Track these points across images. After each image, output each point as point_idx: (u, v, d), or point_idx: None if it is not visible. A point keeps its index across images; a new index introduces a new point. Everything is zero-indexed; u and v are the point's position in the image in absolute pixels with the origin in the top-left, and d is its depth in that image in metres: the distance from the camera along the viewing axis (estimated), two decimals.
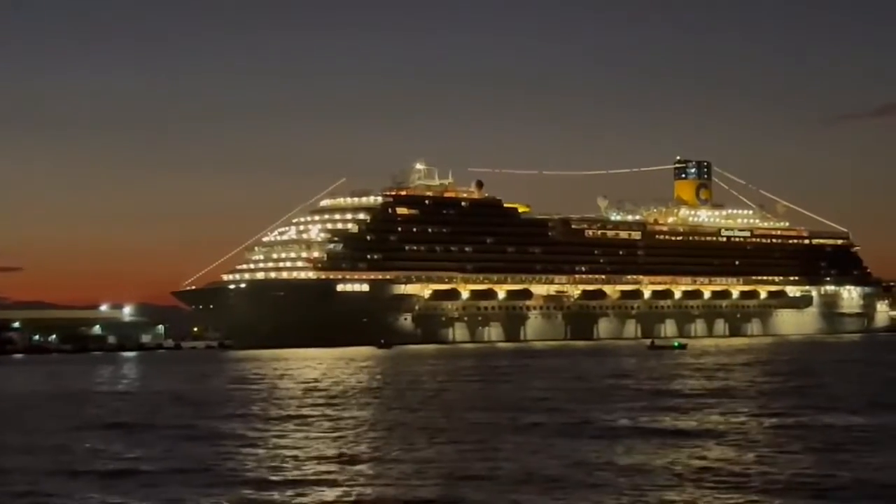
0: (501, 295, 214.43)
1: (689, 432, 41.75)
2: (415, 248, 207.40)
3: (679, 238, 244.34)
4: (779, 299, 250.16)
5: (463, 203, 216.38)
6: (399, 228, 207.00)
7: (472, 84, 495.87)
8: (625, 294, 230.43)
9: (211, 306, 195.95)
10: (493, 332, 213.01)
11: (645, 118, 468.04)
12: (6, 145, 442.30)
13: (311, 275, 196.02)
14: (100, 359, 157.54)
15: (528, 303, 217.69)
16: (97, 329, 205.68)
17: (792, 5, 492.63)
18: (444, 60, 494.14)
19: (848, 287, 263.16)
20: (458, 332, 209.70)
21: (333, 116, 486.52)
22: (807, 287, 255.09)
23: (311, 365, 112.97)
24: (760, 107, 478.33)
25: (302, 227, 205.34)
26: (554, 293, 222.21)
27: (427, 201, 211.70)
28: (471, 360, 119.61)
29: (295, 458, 36.28)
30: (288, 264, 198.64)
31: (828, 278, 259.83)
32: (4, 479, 33.04)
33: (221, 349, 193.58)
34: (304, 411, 53.97)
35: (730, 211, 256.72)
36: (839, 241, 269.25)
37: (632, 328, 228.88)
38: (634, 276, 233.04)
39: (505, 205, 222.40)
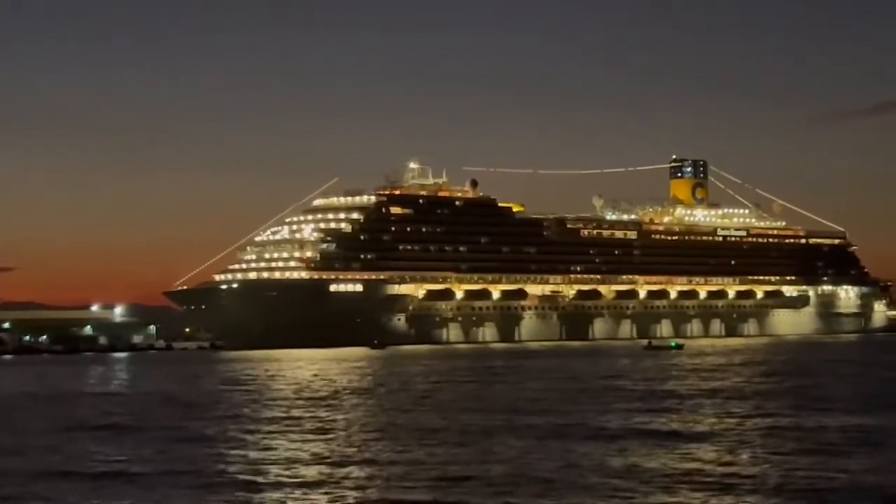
0: (496, 295, 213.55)
1: (683, 434, 41.36)
2: (408, 247, 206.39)
3: (675, 238, 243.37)
4: (775, 299, 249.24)
5: (457, 202, 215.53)
6: (393, 228, 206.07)
7: (466, 83, 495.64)
8: (620, 294, 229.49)
9: (203, 307, 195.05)
10: (488, 332, 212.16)
11: (640, 117, 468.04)
12: None
13: (304, 275, 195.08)
14: (91, 359, 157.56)
15: (522, 303, 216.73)
16: (88, 329, 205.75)
17: (788, 5, 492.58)
18: (438, 60, 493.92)
19: (845, 287, 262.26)
20: (453, 332, 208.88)
21: (326, 116, 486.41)
22: (803, 287, 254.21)
23: (303, 366, 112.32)
24: (757, 106, 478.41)
25: (295, 227, 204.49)
26: (549, 293, 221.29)
27: (421, 201, 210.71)
28: (465, 361, 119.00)
29: (285, 460, 35.95)
30: (280, 264, 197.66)
31: (825, 278, 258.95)
32: None
33: (213, 350, 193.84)
34: (296, 413, 53.56)
35: (726, 210, 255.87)
36: (836, 241, 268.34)
37: (627, 328, 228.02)
38: (630, 276, 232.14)
39: (499, 204, 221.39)
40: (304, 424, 47.47)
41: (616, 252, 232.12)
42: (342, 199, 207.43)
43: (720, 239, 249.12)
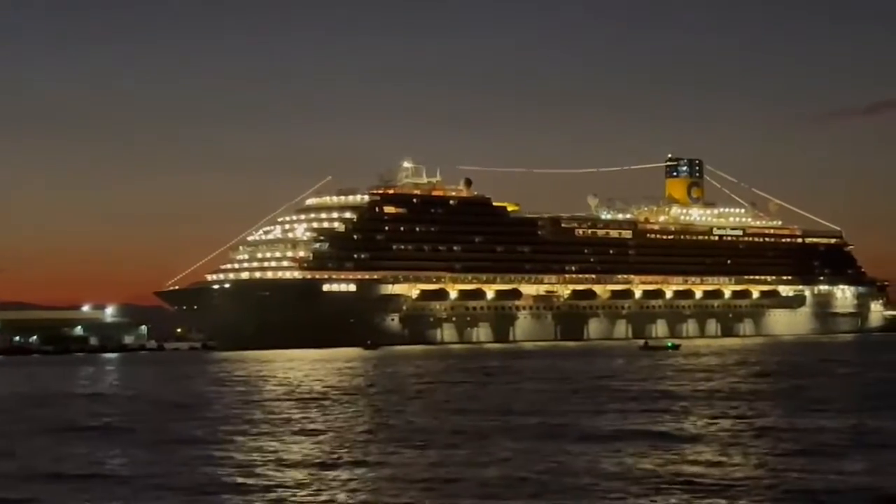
0: (490, 295, 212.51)
1: (677, 435, 41.08)
2: (402, 247, 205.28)
3: (670, 237, 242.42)
4: (771, 299, 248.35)
5: (451, 202, 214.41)
6: (386, 227, 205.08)
7: (460, 82, 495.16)
8: (615, 294, 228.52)
9: (195, 307, 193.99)
10: (482, 332, 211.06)
11: (636, 116, 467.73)
12: None
13: (297, 274, 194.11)
14: (81, 360, 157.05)
15: (517, 303, 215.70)
16: (79, 330, 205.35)
17: (784, 4, 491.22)
18: (432, 59, 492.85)
19: (841, 286, 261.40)
20: (447, 332, 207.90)
21: (319, 115, 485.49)
22: (800, 287, 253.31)
23: (295, 366, 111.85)
24: (753, 105, 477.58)
25: (287, 227, 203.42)
26: (543, 293, 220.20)
27: (415, 200, 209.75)
28: (458, 361, 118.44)
29: (273, 462, 35.53)
30: (273, 264, 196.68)
31: (821, 278, 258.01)
32: None
33: (205, 350, 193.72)
34: (285, 414, 53.08)
35: (722, 209, 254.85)
36: (832, 240, 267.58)
37: (622, 328, 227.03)
38: (625, 276, 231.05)
39: (494, 203, 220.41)
40: (294, 426, 47.10)
41: (611, 252, 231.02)
42: (335, 199, 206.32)
43: (716, 238, 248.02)
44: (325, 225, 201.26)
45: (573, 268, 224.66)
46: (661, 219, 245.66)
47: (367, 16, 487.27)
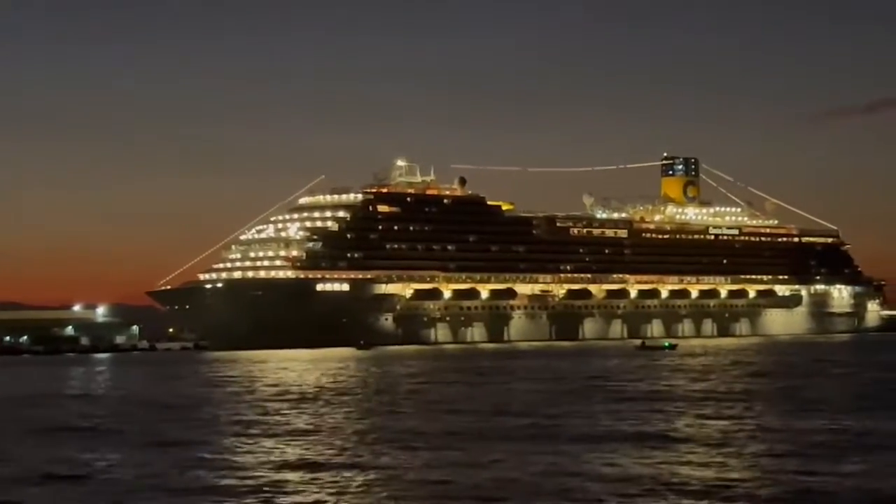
0: (485, 294, 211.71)
1: (671, 436, 40.73)
2: (396, 246, 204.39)
3: (666, 236, 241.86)
4: (768, 299, 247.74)
5: (445, 200, 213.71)
6: (380, 227, 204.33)
7: (454, 81, 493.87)
8: (611, 293, 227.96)
9: (187, 306, 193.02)
10: (476, 332, 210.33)
11: (632, 114, 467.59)
12: None
13: (290, 274, 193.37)
14: (72, 360, 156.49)
15: (511, 302, 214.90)
16: (70, 330, 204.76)
17: (781, 3, 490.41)
18: (426, 58, 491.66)
19: (838, 286, 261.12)
20: (441, 332, 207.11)
21: (312, 113, 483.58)
22: (796, 286, 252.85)
23: (287, 367, 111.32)
24: (749, 103, 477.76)
25: (280, 226, 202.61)
26: (538, 293, 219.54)
27: (408, 199, 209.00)
28: (451, 362, 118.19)
29: (261, 464, 35.23)
30: (266, 263, 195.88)
31: (818, 277, 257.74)
32: None
33: (197, 350, 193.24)
34: (275, 415, 52.65)
35: (718, 208, 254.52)
36: (829, 240, 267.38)
37: (618, 328, 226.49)
38: (620, 276, 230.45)
39: (488, 202, 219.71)
40: (284, 427, 46.71)
41: (606, 251, 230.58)
42: (328, 198, 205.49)
43: (712, 238, 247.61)
44: (319, 224, 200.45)
45: (568, 267, 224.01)
46: (657, 218, 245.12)
47: (362, 16, 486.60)
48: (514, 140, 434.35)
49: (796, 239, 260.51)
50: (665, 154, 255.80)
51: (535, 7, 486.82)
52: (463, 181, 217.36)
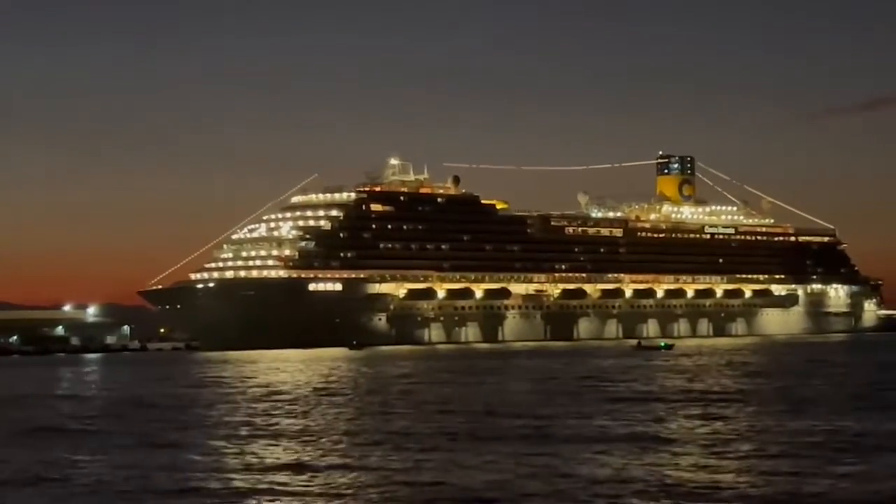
0: (479, 294, 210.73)
1: (665, 437, 40.45)
2: (389, 245, 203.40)
3: (661, 235, 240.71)
4: (764, 298, 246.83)
5: (439, 199, 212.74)
6: (373, 226, 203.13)
7: (448, 79, 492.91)
8: (606, 293, 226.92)
9: (178, 306, 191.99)
10: (471, 332, 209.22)
11: (627, 112, 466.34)
12: None
13: (282, 273, 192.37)
14: (62, 361, 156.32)
15: (506, 302, 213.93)
16: (60, 330, 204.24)
17: (777, 1, 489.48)
18: (420, 56, 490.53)
19: (835, 285, 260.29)
20: (434, 332, 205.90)
21: (305, 111, 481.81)
22: (793, 286, 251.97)
23: (279, 367, 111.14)
24: (745, 102, 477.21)
25: (273, 225, 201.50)
26: (533, 292, 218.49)
27: (402, 197, 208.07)
28: (444, 362, 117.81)
29: (251, 466, 35.10)
30: (258, 263, 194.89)
31: (814, 276, 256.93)
32: None
33: (188, 351, 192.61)
34: (264, 416, 52.43)
35: (714, 207, 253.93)
36: (826, 239, 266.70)
37: (613, 328, 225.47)
38: (616, 275, 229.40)
39: (482, 201, 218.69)
40: (274, 428, 46.49)
41: (601, 250, 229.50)
42: (321, 196, 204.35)
43: (708, 237, 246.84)
44: (311, 223, 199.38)
45: (563, 266, 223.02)
46: (652, 217, 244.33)
47: (356, 15, 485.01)
48: (509, 138, 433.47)
49: (793, 238, 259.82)
50: (660, 152, 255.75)
51: (531, 5, 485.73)
52: (457, 180, 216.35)
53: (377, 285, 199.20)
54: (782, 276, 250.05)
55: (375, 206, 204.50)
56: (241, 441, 41.67)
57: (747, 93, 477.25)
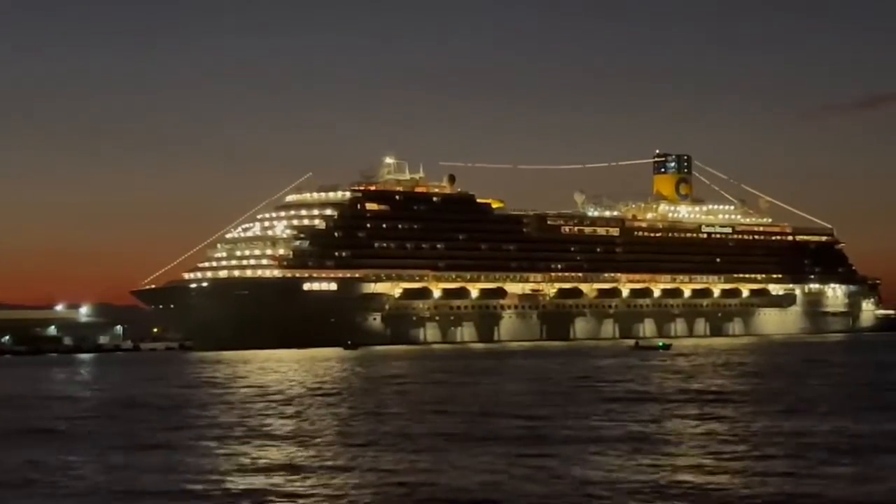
0: (474, 294, 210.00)
1: (660, 439, 40.28)
2: (384, 245, 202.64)
3: (658, 234, 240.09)
4: (761, 298, 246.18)
5: (434, 198, 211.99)
6: (368, 225, 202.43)
7: (444, 77, 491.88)
8: (602, 293, 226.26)
9: (171, 306, 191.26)
10: (466, 332, 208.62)
11: (623, 111, 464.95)
12: None
13: (277, 273, 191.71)
14: (54, 361, 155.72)
15: (502, 302, 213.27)
16: (52, 330, 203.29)
17: (774, 0, 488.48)
18: (415, 54, 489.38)
19: (832, 285, 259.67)
20: (430, 332, 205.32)
21: (300, 110, 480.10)
22: (790, 285, 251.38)
23: (272, 367, 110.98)
24: (742, 100, 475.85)
25: (267, 224, 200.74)
26: (529, 292, 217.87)
27: (397, 196, 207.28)
28: (440, 362, 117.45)
29: (241, 467, 34.94)
30: (252, 262, 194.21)
31: (812, 276, 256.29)
32: None
33: (182, 351, 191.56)
34: (259, 416, 52.44)
35: (711, 206, 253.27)
36: (823, 238, 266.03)
37: (609, 328, 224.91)
38: (612, 274, 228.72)
39: (478, 200, 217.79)
40: (267, 429, 46.45)
41: (598, 249, 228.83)
42: (316, 195, 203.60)
43: (705, 236, 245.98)
44: (306, 222, 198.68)
45: (559, 266, 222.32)
46: (649, 216, 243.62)
47: (351, 15, 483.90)
48: (504, 137, 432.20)
49: (790, 237, 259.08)
50: (657, 151, 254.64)
51: (528, 5, 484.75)
52: (452, 179, 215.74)
53: (372, 285, 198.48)
54: (780, 276, 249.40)
55: (370, 206, 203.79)
56: (235, 442, 41.52)
57: (744, 91, 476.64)
